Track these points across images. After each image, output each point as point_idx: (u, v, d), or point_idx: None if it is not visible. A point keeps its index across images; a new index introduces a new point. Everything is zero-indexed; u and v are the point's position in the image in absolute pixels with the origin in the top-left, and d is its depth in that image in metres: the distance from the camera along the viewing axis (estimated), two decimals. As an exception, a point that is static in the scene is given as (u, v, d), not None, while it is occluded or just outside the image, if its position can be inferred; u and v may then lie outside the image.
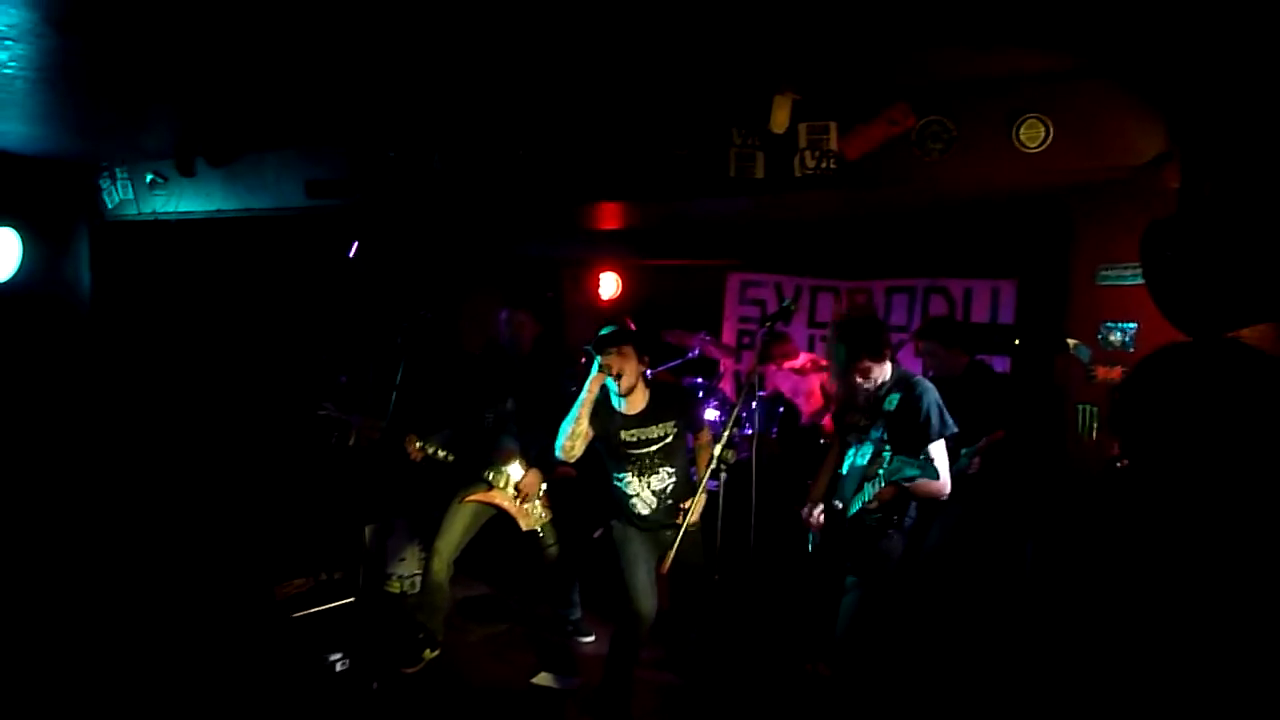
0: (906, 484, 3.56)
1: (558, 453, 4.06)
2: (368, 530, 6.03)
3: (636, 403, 4.06)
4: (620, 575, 4.05)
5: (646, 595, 3.97)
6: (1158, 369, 2.57)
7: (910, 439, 3.64)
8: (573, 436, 3.99)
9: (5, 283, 5.58)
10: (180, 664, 4.49)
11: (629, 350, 3.96)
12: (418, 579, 5.73)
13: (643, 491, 4.07)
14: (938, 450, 3.64)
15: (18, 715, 3.94)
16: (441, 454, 4.69)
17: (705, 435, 4.31)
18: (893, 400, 3.72)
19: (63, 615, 4.91)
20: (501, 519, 4.83)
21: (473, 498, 4.74)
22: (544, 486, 4.83)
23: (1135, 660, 2.79)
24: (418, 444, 4.65)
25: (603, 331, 4.02)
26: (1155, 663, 2.63)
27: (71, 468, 5.93)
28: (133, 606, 5.10)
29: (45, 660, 4.42)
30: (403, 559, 5.90)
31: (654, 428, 4.05)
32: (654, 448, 4.04)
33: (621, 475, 4.09)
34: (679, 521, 3.95)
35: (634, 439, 4.04)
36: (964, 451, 4.41)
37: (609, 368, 3.91)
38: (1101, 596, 3.39)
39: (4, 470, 5.58)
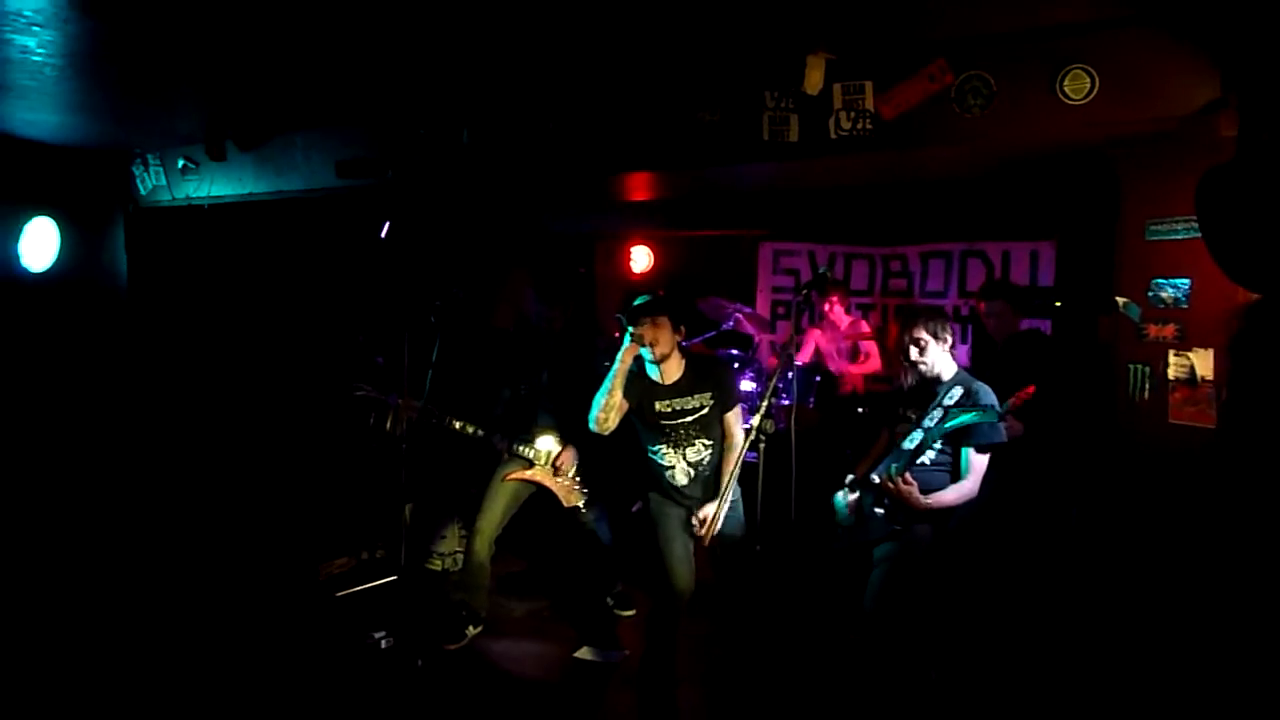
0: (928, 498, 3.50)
1: (591, 425, 3.96)
2: (408, 509, 6.05)
3: (672, 373, 3.95)
4: (658, 550, 4.02)
5: (684, 570, 3.92)
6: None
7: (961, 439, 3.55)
8: (605, 409, 3.90)
9: (44, 271, 5.66)
10: (226, 644, 4.54)
11: (664, 320, 3.83)
12: (459, 556, 5.74)
13: (679, 463, 4.00)
14: (980, 462, 3.54)
15: (60, 694, 4.00)
16: (473, 430, 4.67)
17: (737, 435, 4.02)
18: (953, 395, 3.57)
19: (108, 598, 4.99)
20: (542, 495, 4.82)
21: (513, 475, 4.73)
22: (577, 463, 4.79)
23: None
24: (456, 424, 4.64)
25: (635, 301, 3.90)
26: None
27: (113, 451, 6.02)
28: (178, 589, 5.16)
29: (88, 643, 4.50)
30: (444, 537, 5.91)
31: (690, 399, 3.94)
32: (689, 419, 3.95)
33: (656, 447, 4.02)
34: (699, 530, 3.85)
35: (669, 409, 3.94)
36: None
37: (641, 338, 3.79)
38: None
39: (48, 454, 5.67)
